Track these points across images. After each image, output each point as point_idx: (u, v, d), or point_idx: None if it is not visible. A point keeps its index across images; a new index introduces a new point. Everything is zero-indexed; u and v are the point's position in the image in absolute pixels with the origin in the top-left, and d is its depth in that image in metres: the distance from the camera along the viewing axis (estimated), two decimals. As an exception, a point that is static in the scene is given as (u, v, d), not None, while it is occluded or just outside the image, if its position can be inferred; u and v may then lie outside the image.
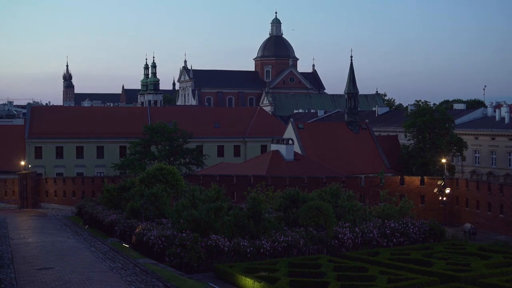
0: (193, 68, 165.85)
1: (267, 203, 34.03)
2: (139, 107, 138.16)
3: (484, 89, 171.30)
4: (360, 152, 66.40)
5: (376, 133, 75.85)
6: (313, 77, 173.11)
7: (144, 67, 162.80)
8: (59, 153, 77.46)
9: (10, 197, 62.11)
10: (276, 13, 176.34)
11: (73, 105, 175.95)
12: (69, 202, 57.48)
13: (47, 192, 60.32)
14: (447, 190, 46.28)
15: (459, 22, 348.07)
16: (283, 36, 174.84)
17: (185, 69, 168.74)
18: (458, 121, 75.92)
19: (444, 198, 46.39)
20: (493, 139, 74.04)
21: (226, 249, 28.74)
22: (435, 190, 46.84)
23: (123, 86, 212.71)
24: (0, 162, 71.48)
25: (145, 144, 70.59)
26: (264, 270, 26.39)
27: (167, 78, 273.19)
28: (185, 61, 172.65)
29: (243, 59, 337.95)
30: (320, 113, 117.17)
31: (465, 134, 73.96)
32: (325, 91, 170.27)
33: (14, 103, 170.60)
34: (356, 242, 32.62)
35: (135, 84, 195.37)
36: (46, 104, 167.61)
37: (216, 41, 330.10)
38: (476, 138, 75.64)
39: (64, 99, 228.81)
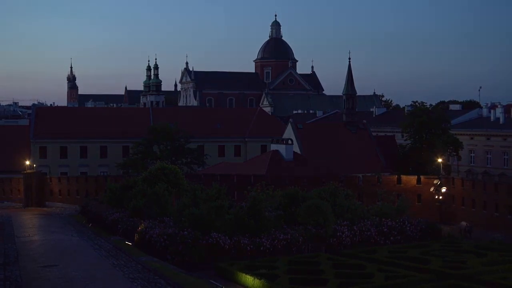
0: (194, 69, 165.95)
1: (267, 202, 34.35)
2: (142, 107, 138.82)
3: (479, 90, 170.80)
4: (358, 152, 66.54)
5: (374, 133, 76.10)
6: (312, 79, 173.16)
7: (146, 69, 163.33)
8: (63, 153, 77.79)
9: (15, 196, 62.70)
10: (275, 15, 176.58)
11: (77, 106, 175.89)
12: (73, 201, 57.67)
13: (52, 191, 60.57)
14: (443, 189, 46.79)
15: (457, 24, 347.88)
16: (283, 38, 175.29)
17: (186, 71, 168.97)
18: (454, 121, 76.14)
19: (440, 197, 46.91)
20: (488, 139, 74.56)
21: (227, 247, 29.27)
22: (432, 189, 47.29)
23: (126, 87, 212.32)
24: (5, 162, 71.89)
25: (148, 144, 71.04)
26: (264, 267, 26.74)
27: (169, 80, 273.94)
28: (187, 63, 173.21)
29: (244, 61, 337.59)
30: (319, 113, 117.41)
31: (461, 134, 74.29)
32: (323, 92, 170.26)
33: (19, 104, 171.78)
34: (354, 240, 33.07)
35: (138, 85, 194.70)
36: (51, 105, 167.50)
37: (217, 43, 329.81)
38: (472, 138, 76.12)
39: (68, 100, 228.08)
